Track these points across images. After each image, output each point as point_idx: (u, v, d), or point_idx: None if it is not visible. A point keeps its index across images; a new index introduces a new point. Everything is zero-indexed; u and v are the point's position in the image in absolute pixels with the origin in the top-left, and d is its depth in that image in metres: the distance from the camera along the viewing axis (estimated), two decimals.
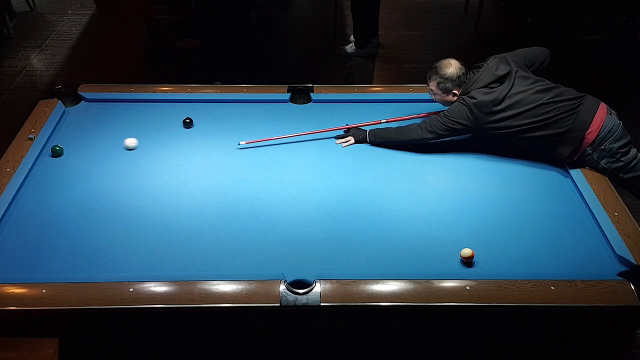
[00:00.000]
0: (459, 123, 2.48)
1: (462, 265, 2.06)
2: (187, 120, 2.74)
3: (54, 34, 5.04)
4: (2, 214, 2.18)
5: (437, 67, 2.56)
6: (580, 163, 2.46)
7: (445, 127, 2.50)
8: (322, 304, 1.86)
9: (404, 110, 2.78)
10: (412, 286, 1.92)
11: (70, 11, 5.42)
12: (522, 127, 2.42)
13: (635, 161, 2.44)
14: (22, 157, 2.43)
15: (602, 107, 2.44)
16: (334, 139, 2.69)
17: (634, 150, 2.45)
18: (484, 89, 2.45)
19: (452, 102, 2.56)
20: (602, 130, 2.38)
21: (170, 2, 4.28)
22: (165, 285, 1.91)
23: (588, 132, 2.38)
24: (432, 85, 2.58)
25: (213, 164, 2.53)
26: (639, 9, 4.20)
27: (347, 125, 2.71)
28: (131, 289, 1.88)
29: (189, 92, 2.95)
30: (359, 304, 1.88)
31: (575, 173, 2.45)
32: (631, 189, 2.54)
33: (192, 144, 2.65)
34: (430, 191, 2.41)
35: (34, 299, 1.86)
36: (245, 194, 2.37)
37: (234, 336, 2.13)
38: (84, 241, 2.12)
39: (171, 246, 2.12)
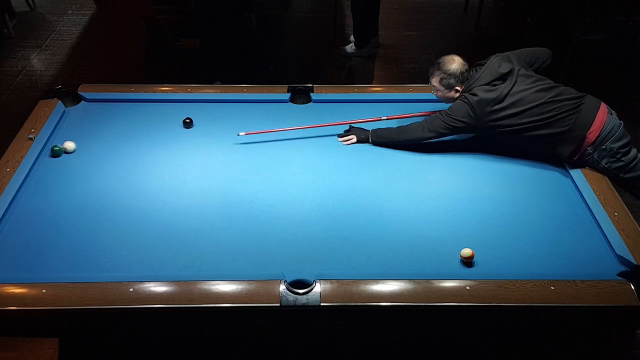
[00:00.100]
0: (461, 121, 2.47)
1: (462, 265, 2.05)
2: (187, 120, 2.74)
3: (54, 34, 5.04)
4: (2, 214, 2.18)
5: (440, 63, 2.54)
6: (580, 163, 2.46)
7: (447, 125, 2.49)
8: (322, 304, 1.86)
9: (404, 111, 2.77)
10: (412, 286, 1.92)
11: (70, 11, 5.42)
12: (524, 126, 2.42)
13: (635, 161, 2.44)
14: (22, 157, 2.43)
15: (603, 107, 2.44)
16: (334, 139, 2.69)
17: (634, 151, 2.45)
18: (486, 87, 2.44)
19: (453, 99, 2.55)
20: (603, 130, 2.38)
21: (170, 2, 4.27)
22: (165, 285, 1.91)
23: (589, 131, 2.38)
24: (435, 81, 2.56)
25: (213, 164, 2.53)
26: (639, 9, 4.20)
27: (347, 121, 2.70)
28: (131, 289, 1.88)
29: (189, 92, 2.95)
30: (359, 304, 1.88)
31: (575, 173, 2.45)
32: (631, 189, 2.53)
33: (192, 144, 2.65)
34: (430, 191, 2.41)
35: (34, 299, 1.86)
36: (245, 194, 2.37)
37: (234, 336, 2.13)
38: (84, 241, 2.12)
39: (171, 246, 2.12)
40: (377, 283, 1.93)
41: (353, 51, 4.72)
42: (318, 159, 2.58)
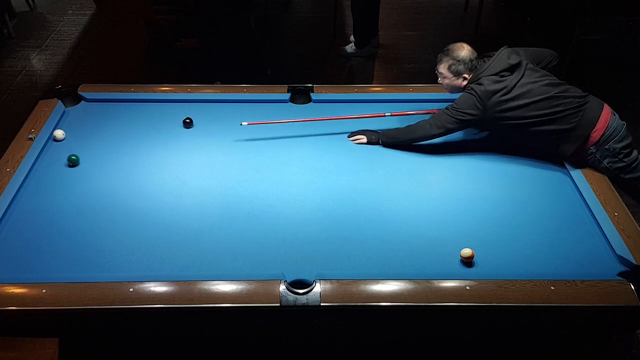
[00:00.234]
0: (468, 114, 2.43)
1: (462, 265, 2.05)
2: (187, 120, 2.74)
3: (54, 34, 5.04)
4: (2, 214, 2.18)
5: (449, 49, 2.51)
6: (581, 162, 2.46)
7: (454, 119, 2.46)
8: (322, 304, 1.86)
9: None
10: (412, 286, 1.92)
11: (70, 11, 5.42)
12: (530, 120, 2.39)
13: (636, 163, 2.44)
14: (22, 157, 2.43)
15: (606, 107, 2.44)
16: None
17: (635, 152, 2.45)
18: (494, 77, 2.41)
19: (460, 88, 2.51)
20: (607, 129, 2.37)
21: (170, 2, 4.27)
22: (165, 285, 1.91)
23: (594, 130, 2.38)
24: (443, 67, 2.52)
25: (213, 164, 2.53)
26: (639, 9, 4.20)
27: (351, 116, 2.70)
28: (131, 289, 1.88)
29: (189, 92, 2.95)
30: (359, 304, 1.88)
31: (575, 173, 2.45)
32: (631, 190, 2.53)
33: (192, 144, 2.65)
34: (430, 191, 2.41)
35: (34, 299, 1.86)
36: (245, 194, 2.37)
37: (234, 336, 2.13)
38: (84, 241, 2.12)
39: (171, 246, 2.12)
40: (377, 283, 1.93)
41: (353, 51, 4.72)
42: (318, 158, 2.58)
